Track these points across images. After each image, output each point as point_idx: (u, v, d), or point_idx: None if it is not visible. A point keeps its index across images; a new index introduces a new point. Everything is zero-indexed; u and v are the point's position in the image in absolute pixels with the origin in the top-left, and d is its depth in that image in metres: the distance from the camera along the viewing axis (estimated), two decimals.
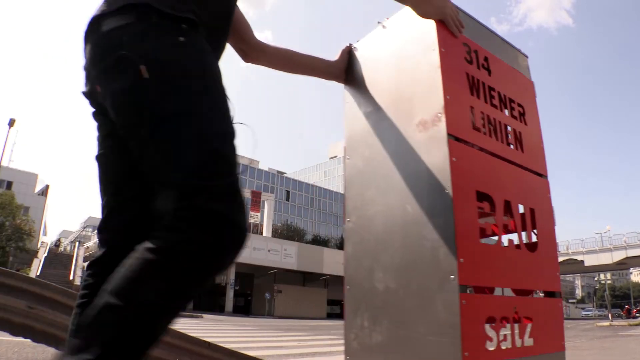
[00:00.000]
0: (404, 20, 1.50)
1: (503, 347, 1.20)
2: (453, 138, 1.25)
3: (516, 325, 1.26)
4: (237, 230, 0.84)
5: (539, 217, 1.46)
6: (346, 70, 1.70)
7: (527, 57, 1.78)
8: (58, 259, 33.27)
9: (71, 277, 28.89)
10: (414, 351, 1.20)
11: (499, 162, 1.41)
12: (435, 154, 1.25)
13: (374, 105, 1.54)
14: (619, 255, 43.74)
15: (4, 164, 32.58)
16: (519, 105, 1.58)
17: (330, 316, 45.22)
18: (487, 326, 1.17)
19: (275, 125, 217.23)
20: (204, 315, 21.56)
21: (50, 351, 3.46)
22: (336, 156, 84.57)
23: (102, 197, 1.04)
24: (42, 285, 1.62)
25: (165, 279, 0.79)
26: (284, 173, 78.21)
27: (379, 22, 1.61)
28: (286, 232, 51.30)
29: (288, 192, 64.39)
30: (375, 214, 1.43)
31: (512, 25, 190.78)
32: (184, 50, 0.90)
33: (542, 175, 1.58)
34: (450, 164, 1.20)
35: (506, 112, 1.52)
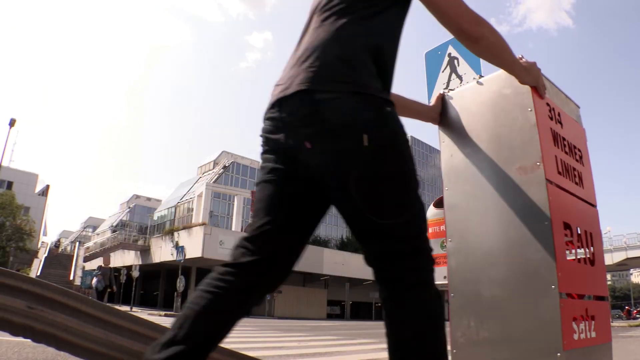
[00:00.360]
0: (500, 82, 1.81)
1: (581, 338, 1.58)
2: (548, 181, 1.61)
3: (587, 322, 1.64)
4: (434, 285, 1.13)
5: (594, 239, 1.85)
6: (440, 114, 1.99)
7: (579, 107, 2.14)
8: (58, 259, 33.27)
9: (71, 277, 28.90)
10: (519, 342, 1.56)
11: (572, 198, 1.78)
12: (534, 193, 1.60)
13: (473, 148, 1.84)
14: (619, 257, 43.71)
15: (4, 164, 32.56)
16: (579, 150, 1.96)
17: (330, 317, 45.19)
18: (573, 323, 1.55)
19: None
20: None
21: (50, 351, 3.46)
22: None
23: (258, 215, 1.20)
24: (43, 286, 1.62)
25: (436, 329, 1.07)
26: None
27: (474, 78, 1.95)
28: None
29: None
30: (479, 236, 1.74)
31: (512, 26, 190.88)
32: (392, 122, 1.11)
33: (594, 205, 1.97)
34: (548, 202, 1.56)
35: (572, 157, 1.89)
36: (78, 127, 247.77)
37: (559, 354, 1.44)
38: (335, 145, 1.07)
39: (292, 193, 1.19)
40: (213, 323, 1.11)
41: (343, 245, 58.95)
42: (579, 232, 1.73)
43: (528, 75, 1.60)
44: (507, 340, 1.60)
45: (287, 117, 1.15)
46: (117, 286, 14.83)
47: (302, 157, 1.13)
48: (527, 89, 1.68)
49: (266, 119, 1.23)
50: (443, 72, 3.71)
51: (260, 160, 1.28)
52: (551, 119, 1.77)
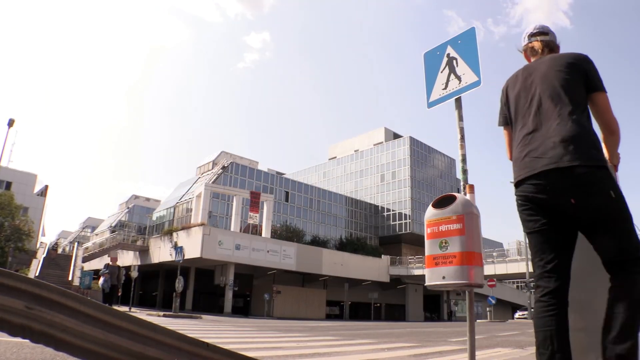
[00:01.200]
0: None
1: None
2: None
3: None
4: None
5: None
6: None
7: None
8: (55, 262, 33.19)
9: (70, 278, 28.77)
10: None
11: None
12: None
13: None
14: None
15: (3, 164, 32.45)
16: None
17: (329, 317, 45.16)
18: None
19: (275, 126, 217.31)
20: (203, 316, 21.54)
21: (49, 352, 3.46)
22: (335, 157, 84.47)
23: (546, 252, 1.91)
24: (41, 286, 1.62)
25: None
26: (283, 174, 77.95)
27: None
28: (285, 233, 51.17)
29: (287, 192, 64.20)
30: (579, 264, 2.18)
31: (510, 27, 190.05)
32: (618, 186, 1.84)
33: None
34: None
35: None
36: (77, 127, 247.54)
37: None
38: (595, 200, 1.77)
39: (559, 234, 1.89)
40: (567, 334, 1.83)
41: (342, 246, 58.89)
42: None
43: (616, 158, 2.23)
44: (598, 328, 2.20)
45: (554, 184, 1.82)
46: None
47: (567, 209, 1.82)
48: (611, 165, 2.23)
49: (529, 183, 1.91)
50: (442, 72, 3.71)
51: (520, 212, 2.01)
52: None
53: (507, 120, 2.25)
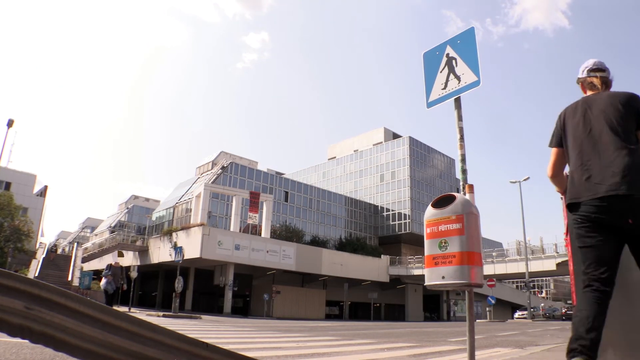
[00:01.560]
0: None
1: None
2: None
3: None
4: None
5: None
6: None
7: None
8: (55, 262, 33.14)
9: (69, 278, 28.74)
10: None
11: None
12: None
13: None
14: None
15: (2, 164, 32.42)
16: None
17: (328, 317, 45.14)
18: None
19: (275, 126, 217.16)
20: (203, 316, 21.53)
21: (48, 352, 3.46)
22: (335, 157, 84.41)
23: (599, 263, 2.15)
24: (41, 286, 1.61)
25: None
26: (283, 174, 77.94)
27: None
28: (285, 233, 51.13)
29: (287, 192, 64.16)
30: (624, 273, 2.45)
31: (508, 27, 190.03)
32: None
33: None
34: None
35: None
36: (77, 127, 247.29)
37: None
38: None
39: (612, 248, 2.15)
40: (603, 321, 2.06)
41: (342, 246, 58.86)
42: None
43: None
44: (616, 326, 2.41)
45: (614, 207, 2.09)
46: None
47: (624, 228, 2.10)
48: None
49: (590, 205, 2.16)
50: (441, 72, 3.71)
51: (577, 229, 2.23)
52: None
53: (560, 143, 2.48)
